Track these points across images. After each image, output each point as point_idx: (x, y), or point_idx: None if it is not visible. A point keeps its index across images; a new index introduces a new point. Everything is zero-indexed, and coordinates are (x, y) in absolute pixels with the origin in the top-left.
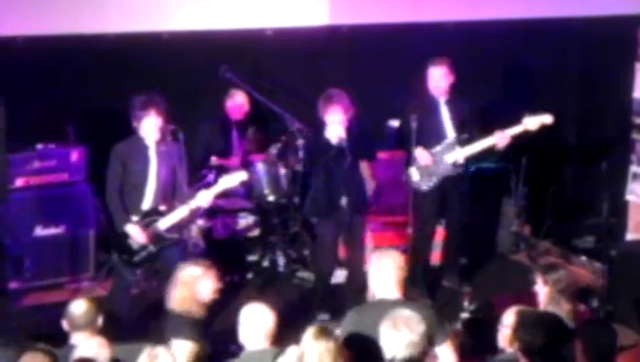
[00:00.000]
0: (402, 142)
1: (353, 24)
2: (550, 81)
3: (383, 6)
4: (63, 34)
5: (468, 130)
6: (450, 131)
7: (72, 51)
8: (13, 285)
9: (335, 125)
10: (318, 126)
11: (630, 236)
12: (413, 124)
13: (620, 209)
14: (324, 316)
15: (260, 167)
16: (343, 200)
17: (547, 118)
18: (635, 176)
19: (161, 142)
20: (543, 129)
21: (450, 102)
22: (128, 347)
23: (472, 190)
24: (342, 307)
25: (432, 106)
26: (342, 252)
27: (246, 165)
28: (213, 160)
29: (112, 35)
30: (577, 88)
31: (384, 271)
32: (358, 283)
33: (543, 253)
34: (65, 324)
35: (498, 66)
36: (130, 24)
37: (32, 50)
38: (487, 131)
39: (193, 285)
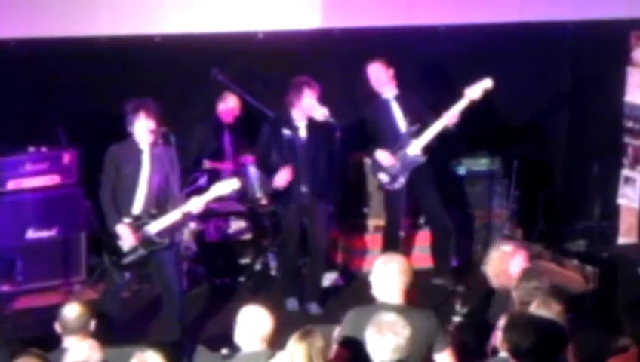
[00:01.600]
0: (362, 145)
1: (345, 27)
2: (542, 85)
3: (375, 9)
4: (55, 37)
5: (424, 120)
6: (402, 126)
7: (64, 54)
8: (4, 288)
9: (316, 107)
10: (278, 120)
11: (622, 239)
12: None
13: (611, 212)
14: (293, 302)
15: (253, 170)
16: (303, 188)
17: (487, 82)
18: (627, 179)
19: (155, 145)
20: (488, 95)
21: (399, 98)
22: (120, 350)
23: (462, 193)
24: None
25: (383, 106)
26: (337, 257)
27: (238, 169)
28: (206, 163)
29: (105, 38)
30: (569, 91)
31: (388, 276)
32: (317, 272)
33: (534, 257)
34: (57, 327)
35: (490, 69)
36: (122, 27)
37: (24, 52)
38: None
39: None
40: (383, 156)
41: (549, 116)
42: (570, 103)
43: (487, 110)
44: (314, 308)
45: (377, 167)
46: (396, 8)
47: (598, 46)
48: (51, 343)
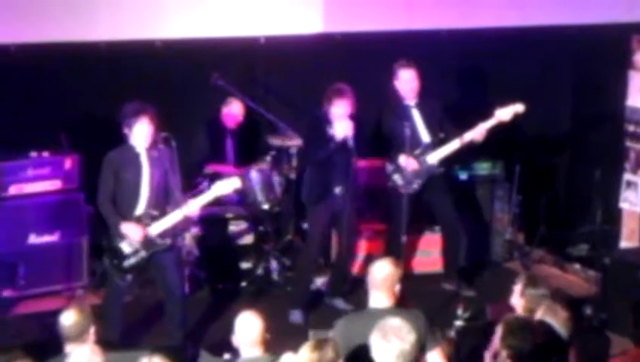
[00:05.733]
0: (380, 148)
1: (347, 32)
2: (544, 89)
3: (376, 13)
4: (56, 42)
5: (443, 130)
6: (424, 134)
7: (65, 59)
8: (6, 293)
9: (342, 122)
10: (321, 118)
11: (624, 244)
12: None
13: (613, 217)
14: (298, 314)
15: (254, 175)
16: (337, 189)
17: (519, 107)
18: (629, 183)
19: (151, 148)
20: (517, 118)
21: (420, 105)
22: (122, 354)
23: (465, 197)
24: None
25: (403, 112)
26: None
27: (240, 173)
28: (208, 168)
29: (106, 43)
30: (570, 96)
31: (376, 279)
32: (346, 268)
33: (536, 261)
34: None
35: (491, 74)
36: (123, 32)
37: (25, 57)
38: (463, 129)
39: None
40: (408, 162)
41: (550, 120)
42: (571, 107)
43: (488, 114)
44: (341, 304)
45: (394, 168)
46: (398, 13)
47: (599, 50)
48: (54, 348)
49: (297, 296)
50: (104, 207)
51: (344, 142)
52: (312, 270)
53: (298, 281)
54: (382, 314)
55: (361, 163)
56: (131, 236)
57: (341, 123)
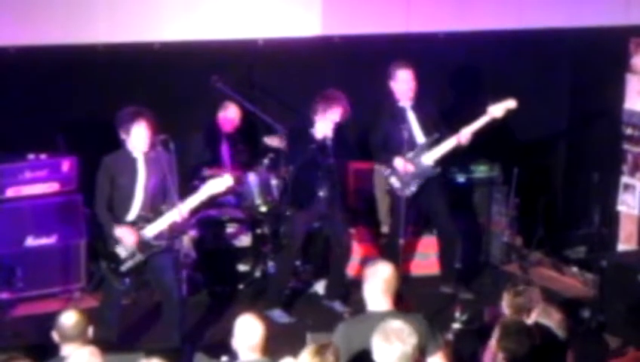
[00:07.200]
0: (375, 151)
1: (345, 34)
2: (541, 92)
3: (375, 16)
4: (54, 44)
5: (438, 131)
6: (419, 135)
7: (63, 61)
8: (4, 295)
9: (324, 123)
10: (303, 120)
11: (621, 246)
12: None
13: (611, 219)
14: (281, 314)
15: (252, 177)
16: (321, 193)
17: (511, 103)
18: (627, 186)
19: (149, 151)
20: (510, 114)
21: (416, 107)
22: (119, 357)
23: (462, 200)
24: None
25: (400, 114)
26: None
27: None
28: (206, 171)
29: (104, 45)
30: (568, 98)
31: (374, 283)
32: (343, 270)
33: (534, 264)
34: (55, 335)
35: (489, 77)
36: (121, 34)
37: (24, 60)
38: (457, 129)
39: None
40: (403, 164)
41: (548, 123)
42: (569, 110)
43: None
44: (339, 306)
45: (391, 171)
46: (396, 15)
47: (596, 53)
48: (50, 350)
49: (273, 298)
50: (101, 214)
51: (324, 144)
52: (290, 273)
53: (275, 283)
54: (381, 317)
55: (357, 165)
56: (125, 240)
57: (322, 123)
